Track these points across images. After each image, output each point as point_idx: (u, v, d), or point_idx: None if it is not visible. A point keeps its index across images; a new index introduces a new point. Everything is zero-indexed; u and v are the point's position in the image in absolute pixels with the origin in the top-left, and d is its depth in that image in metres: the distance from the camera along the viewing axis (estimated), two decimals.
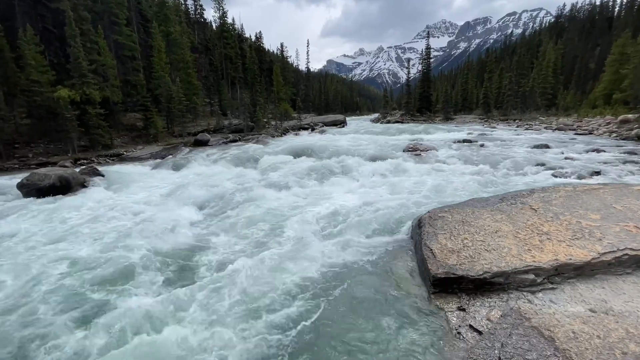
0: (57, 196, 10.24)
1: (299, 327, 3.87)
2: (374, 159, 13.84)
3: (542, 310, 3.33)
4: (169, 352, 3.51)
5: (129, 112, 25.09)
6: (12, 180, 11.68)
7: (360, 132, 29.99)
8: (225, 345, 3.59)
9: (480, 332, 3.40)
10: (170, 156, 19.00)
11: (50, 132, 18.72)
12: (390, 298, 4.34)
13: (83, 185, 11.43)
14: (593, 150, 14.11)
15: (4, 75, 17.52)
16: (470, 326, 3.55)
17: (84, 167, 14.38)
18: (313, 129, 37.39)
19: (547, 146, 15.98)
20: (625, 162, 11.62)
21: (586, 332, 2.87)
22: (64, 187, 10.63)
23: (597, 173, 10.04)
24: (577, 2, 64.53)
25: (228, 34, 40.42)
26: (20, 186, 10.47)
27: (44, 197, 10.12)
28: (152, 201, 9.47)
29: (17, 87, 17.84)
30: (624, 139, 18.79)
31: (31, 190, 10.29)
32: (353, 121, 55.31)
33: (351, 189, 9.82)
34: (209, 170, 14.20)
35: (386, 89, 78.58)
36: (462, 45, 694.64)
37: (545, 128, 28.16)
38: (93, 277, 5.10)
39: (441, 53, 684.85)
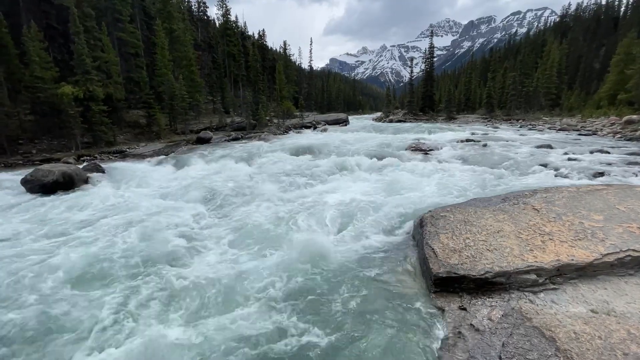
0: (61, 192, 10.32)
1: (297, 329, 3.89)
2: (376, 157, 13.81)
3: (543, 311, 3.32)
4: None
5: (132, 109, 25.13)
6: (16, 176, 11.76)
7: (362, 130, 29.94)
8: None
9: (481, 332, 3.40)
10: (173, 153, 19.07)
11: (54, 129, 18.81)
12: (391, 297, 4.34)
13: (86, 181, 11.49)
14: (597, 151, 14.01)
15: (8, 71, 17.59)
16: (472, 325, 3.55)
17: (87, 163, 14.46)
18: (315, 128, 37.37)
19: (550, 146, 15.89)
20: (629, 163, 11.54)
21: (587, 333, 2.86)
22: (67, 183, 10.70)
23: (601, 174, 9.97)
24: (582, 2, 63.90)
25: (231, 31, 40.30)
26: (24, 182, 10.55)
27: (47, 193, 10.19)
28: (154, 198, 9.51)
29: (21, 83, 17.91)
30: (628, 140, 18.65)
31: (35, 186, 10.36)
32: (355, 120, 55.23)
33: (353, 188, 9.81)
34: (211, 167, 14.23)
35: (389, 87, 78.21)
36: (466, 44, 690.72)
37: (549, 128, 27.99)
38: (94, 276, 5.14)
39: (444, 52, 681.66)
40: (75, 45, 18.48)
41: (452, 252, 4.43)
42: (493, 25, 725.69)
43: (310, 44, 61.49)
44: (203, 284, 4.72)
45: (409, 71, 55.17)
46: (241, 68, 40.46)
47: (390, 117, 52.29)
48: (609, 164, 11.46)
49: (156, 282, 4.83)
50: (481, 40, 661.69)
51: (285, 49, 60.82)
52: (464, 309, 3.82)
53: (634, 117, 22.67)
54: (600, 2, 59.22)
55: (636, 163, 11.47)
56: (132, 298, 4.47)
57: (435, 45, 53.01)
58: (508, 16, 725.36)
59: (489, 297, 3.90)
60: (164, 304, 4.36)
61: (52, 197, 9.89)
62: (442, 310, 3.91)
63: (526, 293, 3.83)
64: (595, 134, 22.50)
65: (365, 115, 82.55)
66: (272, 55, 57.87)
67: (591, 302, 3.54)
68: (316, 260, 5.29)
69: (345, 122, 43.53)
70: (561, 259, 3.98)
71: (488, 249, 4.37)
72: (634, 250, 4.00)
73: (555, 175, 10.24)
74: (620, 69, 31.67)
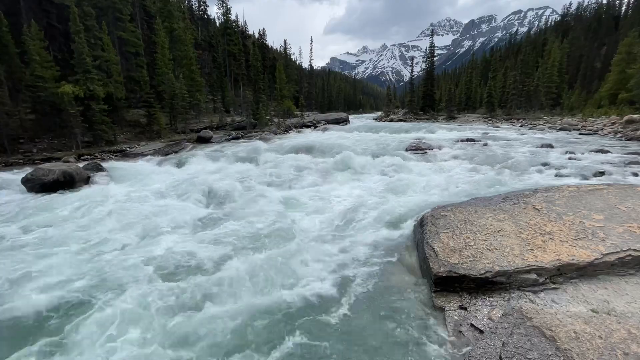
0: (61, 191, 10.32)
1: (295, 328, 3.89)
2: (376, 157, 13.80)
3: (543, 310, 3.32)
4: None
5: (133, 108, 25.14)
6: (16, 175, 11.76)
7: (363, 130, 29.87)
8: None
9: (481, 331, 3.41)
10: (173, 152, 19.06)
11: (55, 128, 18.83)
12: (391, 296, 4.35)
13: (86, 180, 11.50)
14: (597, 151, 14.00)
15: (9, 70, 17.62)
16: (472, 325, 3.55)
17: (87, 162, 14.46)
18: (316, 127, 37.34)
19: (551, 146, 15.87)
20: (630, 162, 11.52)
21: (588, 333, 2.86)
22: (67, 183, 10.71)
23: (601, 173, 9.96)
24: (583, 1, 63.95)
25: (231, 30, 40.24)
26: (24, 181, 10.55)
27: (48, 192, 10.20)
28: (154, 197, 9.51)
29: (22, 82, 17.93)
30: (629, 139, 18.62)
31: (35, 185, 10.37)
32: (356, 119, 55.19)
33: (353, 187, 9.82)
34: (212, 166, 14.22)
35: (389, 87, 78.12)
36: (467, 43, 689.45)
37: (550, 128, 27.97)
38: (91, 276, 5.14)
39: (445, 51, 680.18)
40: (76, 44, 18.47)
41: (453, 251, 4.43)
42: (494, 24, 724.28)
43: (311, 43, 61.35)
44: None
45: (410, 70, 55.16)
46: (241, 67, 40.43)
47: (391, 117, 52.27)
48: (610, 164, 11.45)
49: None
50: (482, 39, 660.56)
51: (285, 48, 60.84)
52: (465, 309, 3.83)
53: (635, 116, 22.62)
54: (601, 1, 59.26)
55: (637, 162, 11.45)
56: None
57: (435, 45, 52.93)
58: (509, 15, 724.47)
59: (489, 297, 3.90)
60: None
61: (52, 196, 9.88)
62: (442, 309, 3.92)
63: (526, 292, 3.84)
64: (596, 134, 22.48)
65: (366, 115, 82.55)
66: (272, 54, 57.84)
67: (592, 301, 3.54)
68: (315, 261, 5.29)
69: (345, 121, 43.46)
70: (562, 259, 3.98)
71: (488, 249, 4.37)
72: (634, 249, 4.00)
73: (556, 175, 10.23)
74: (621, 68, 31.62)
